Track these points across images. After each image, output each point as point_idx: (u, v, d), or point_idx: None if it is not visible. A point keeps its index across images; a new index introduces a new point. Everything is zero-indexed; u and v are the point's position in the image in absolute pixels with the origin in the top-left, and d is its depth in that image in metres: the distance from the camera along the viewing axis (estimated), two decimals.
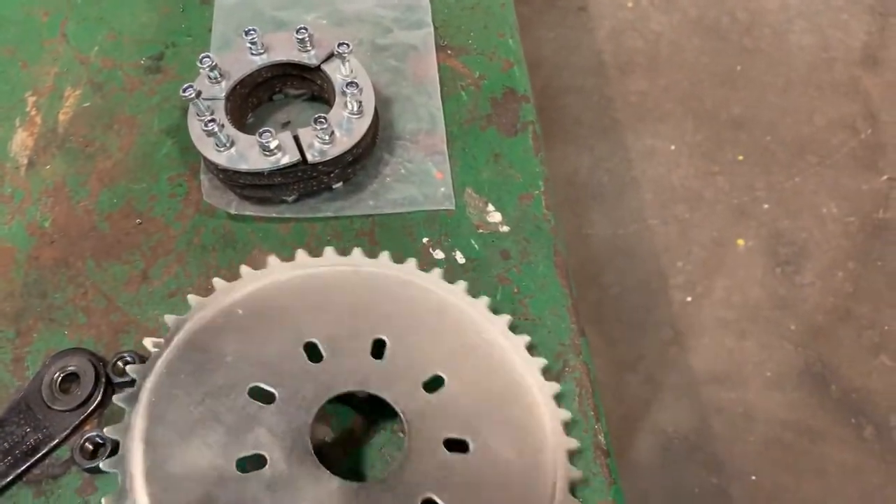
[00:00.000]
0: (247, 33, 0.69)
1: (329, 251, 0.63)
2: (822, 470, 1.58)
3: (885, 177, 1.96)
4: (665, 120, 2.02)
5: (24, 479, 0.57)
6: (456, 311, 0.61)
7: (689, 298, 1.77)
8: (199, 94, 0.66)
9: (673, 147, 1.98)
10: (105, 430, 0.54)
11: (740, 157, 1.97)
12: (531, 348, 0.60)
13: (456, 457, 0.55)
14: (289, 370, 0.57)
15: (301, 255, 0.63)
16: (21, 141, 0.73)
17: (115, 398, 0.55)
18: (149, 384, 0.56)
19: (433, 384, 0.58)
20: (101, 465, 0.53)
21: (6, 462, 0.56)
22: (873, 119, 2.06)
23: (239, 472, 0.53)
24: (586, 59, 2.13)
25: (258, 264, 0.62)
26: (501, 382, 0.58)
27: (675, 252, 1.84)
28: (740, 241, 1.86)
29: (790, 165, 1.97)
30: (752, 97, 2.08)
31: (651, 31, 2.21)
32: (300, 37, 0.69)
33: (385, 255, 0.64)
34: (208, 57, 0.67)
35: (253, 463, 0.54)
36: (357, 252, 0.63)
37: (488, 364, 0.59)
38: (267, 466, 0.53)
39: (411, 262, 0.63)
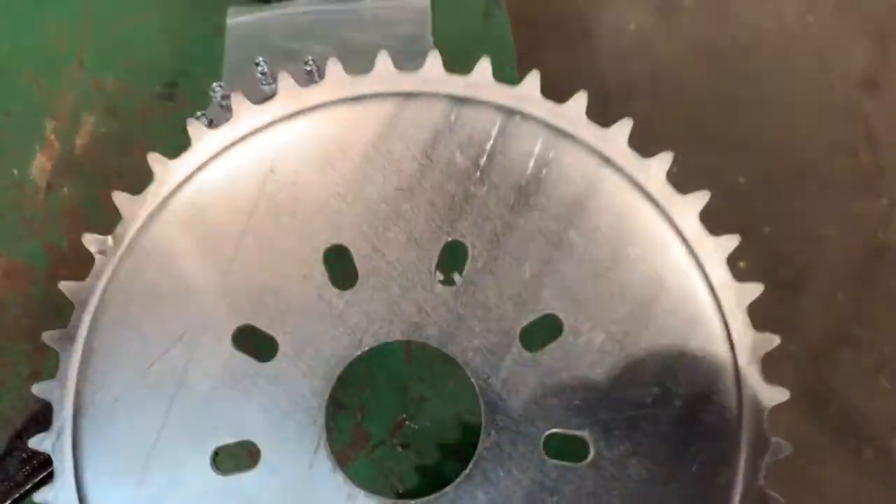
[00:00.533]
0: (256, 64, 0.72)
1: (382, 61, 0.48)
2: (821, 491, 1.59)
3: (885, 199, 1.98)
4: (667, 143, 2.05)
5: (42, 489, 0.59)
6: (607, 192, 0.44)
7: None
8: (210, 122, 0.69)
9: (675, 170, 2.01)
10: (33, 388, 0.43)
11: (741, 180, 2.00)
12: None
13: (565, 467, 0.40)
14: (298, 302, 0.40)
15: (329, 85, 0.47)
16: (40, 165, 0.77)
17: (44, 336, 0.45)
18: (86, 319, 0.45)
19: (540, 334, 0.43)
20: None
21: (25, 471, 0.59)
22: (873, 142, 2.08)
23: (216, 474, 0.40)
24: (589, 83, 2.15)
25: None
26: (665, 340, 0.42)
27: None
28: (741, 264, 1.88)
29: (791, 188, 1.99)
30: (753, 121, 2.10)
31: (653, 55, 2.24)
32: (307, 68, 0.72)
33: (484, 66, 0.49)
34: (220, 86, 0.71)
35: (236, 459, 0.41)
36: (432, 64, 0.48)
37: (643, 304, 0.42)
38: (259, 466, 0.40)
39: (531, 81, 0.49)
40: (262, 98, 0.73)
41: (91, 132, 0.78)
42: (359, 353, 0.41)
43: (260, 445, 0.40)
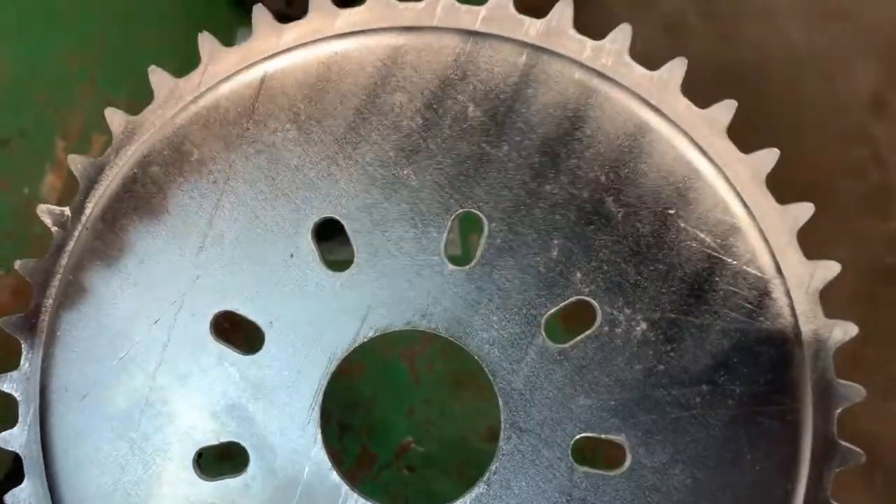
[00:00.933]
0: None
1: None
2: None
3: (893, 221, 1.98)
4: None
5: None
6: (655, 152, 0.37)
7: None
8: None
9: None
10: None
11: None
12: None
13: (598, 476, 0.34)
14: (285, 285, 0.35)
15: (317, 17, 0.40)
16: (50, 183, 0.77)
17: (1, 323, 0.41)
18: (47, 304, 0.40)
19: (569, 322, 0.37)
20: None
21: None
22: (882, 165, 2.08)
23: (201, 479, 0.36)
24: None
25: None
26: (720, 329, 0.36)
27: None
28: None
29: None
30: (760, 142, 2.11)
31: None
32: None
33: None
34: None
35: (222, 464, 0.37)
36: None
37: (694, 288, 0.35)
38: (248, 469, 0.36)
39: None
40: None
41: (101, 151, 0.79)
42: (356, 344, 0.35)
43: (247, 446, 0.35)
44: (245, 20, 0.88)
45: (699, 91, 2.17)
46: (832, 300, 1.85)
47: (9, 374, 0.40)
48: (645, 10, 2.39)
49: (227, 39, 0.86)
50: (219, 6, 0.88)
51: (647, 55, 2.24)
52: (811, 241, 2.07)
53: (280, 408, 0.36)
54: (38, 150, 0.79)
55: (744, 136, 2.21)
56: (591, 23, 2.14)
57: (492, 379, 0.36)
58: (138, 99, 0.83)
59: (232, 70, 0.41)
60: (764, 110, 2.19)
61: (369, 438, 0.62)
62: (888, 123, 2.12)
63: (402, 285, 0.36)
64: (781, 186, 2.08)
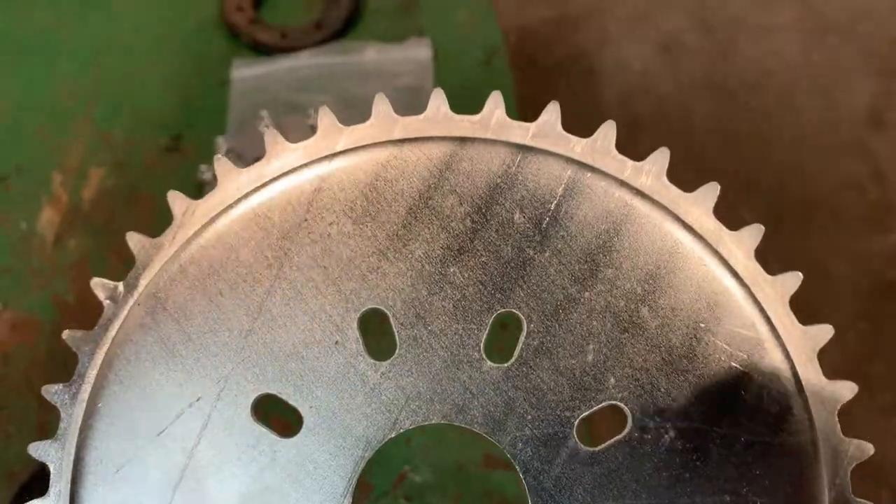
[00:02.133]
0: (259, 118, 0.73)
1: (435, 101, 0.45)
2: None
3: (894, 237, 1.97)
4: (673, 181, 2.05)
5: None
6: (688, 268, 0.41)
7: None
8: (215, 175, 0.71)
9: None
10: (30, 448, 0.41)
11: (748, 218, 2.00)
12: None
13: None
14: (328, 372, 0.37)
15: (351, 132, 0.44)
16: (48, 218, 0.78)
17: (43, 391, 0.42)
18: (91, 375, 0.42)
19: (601, 426, 0.40)
20: None
21: None
22: (881, 179, 2.08)
23: None
24: (595, 123, 2.17)
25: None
26: (745, 439, 0.38)
27: None
28: None
29: (799, 226, 1.99)
30: (760, 158, 2.11)
31: (658, 93, 2.26)
32: (310, 122, 0.73)
33: (552, 111, 0.46)
34: (224, 140, 0.72)
35: None
36: (493, 108, 0.45)
37: (723, 400, 0.38)
38: None
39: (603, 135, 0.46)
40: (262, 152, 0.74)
41: (98, 185, 0.80)
42: (393, 434, 0.38)
43: None
44: (239, 51, 0.90)
45: (696, 107, 2.17)
46: (834, 316, 1.83)
47: (45, 442, 0.41)
48: (642, 29, 2.41)
49: (222, 70, 0.88)
50: (214, 38, 0.90)
51: (646, 76, 2.25)
52: (813, 258, 2.06)
53: (313, 493, 0.38)
54: (36, 185, 0.80)
55: (741, 152, 2.21)
56: (587, 42, 2.15)
57: (522, 477, 0.38)
58: (135, 133, 0.84)
59: (294, 165, 0.42)
60: (762, 126, 2.20)
61: (367, 467, 0.62)
62: (886, 138, 2.13)
63: (441, 379, 0.39)
64: (781, 202, 2.08)
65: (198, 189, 0.78)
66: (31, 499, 0.42)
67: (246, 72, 0.85)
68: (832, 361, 1.73)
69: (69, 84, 0.88)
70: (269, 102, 0.83)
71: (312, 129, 0.73)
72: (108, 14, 0.94)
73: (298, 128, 0.75)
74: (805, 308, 1.71)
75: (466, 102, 0.84)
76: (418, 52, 0.85)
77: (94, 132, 0.84)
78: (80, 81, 0.88)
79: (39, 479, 0.63)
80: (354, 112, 0.83)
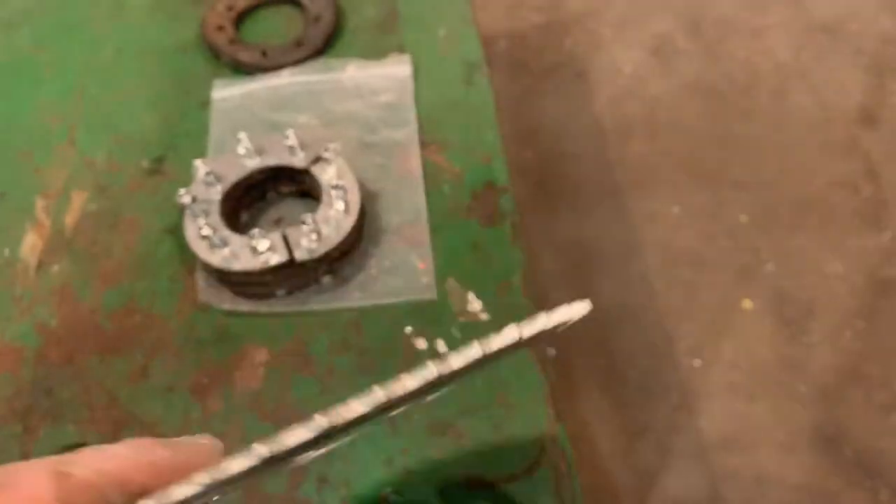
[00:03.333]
0: (239, 140, 0.74)
1: None
2: None
3: (888, 234, 1.97)
4: (666, 183, 2.06)
5: None
6: None
7: (696, 362, 1.78)
8: (194, 198, 0.71)
9: (675, 209, 2.01)
10: None
11: (743, 218, 2.00)
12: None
13: None
14: None
15: None
16: (31, 243, 0.78)
17: None
18: None
19: None
20: None
21: None
22: (874, 177, 2.08)
23: None
24: (586, 126, 2.18)
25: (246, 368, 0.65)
26: None
27: (682, 315, 1.85)
28: (746, 302, 1.87)
29: (793, 225, 1.99)
30: (752, 158, 2.11)
31: (649, 96, 2.26)
32: (289, 143, 0.73)
33: None
34: (202, 163, 0.72)
35: None
36: None
37: None
38: None
39: None
40: (244, 172, 0.75)
41: (81, 209, 0.80)
42: None
43: None
44: (220, 71, 0.90)
45: (687, 109, 2.16)
46: (830, 315, 1.82)
47: None
48: (632, 33, 2.41)
49: (204, 91, 0.88)
50: (195, 59, 0.90)
51: (637, 79, 2.24)
52: (809, 260, 2.05)
53: None
54: (19, 210, 0.80)
55: (734, 153, 2.20)
56: (578, 46, 2.15)
57: None
58: (117, 156, 0.85)
59: None
60: (754, 127, 2.20)
61: (348, 490, 0.62)
62: (878, 136, 2.13)
63: None
64: (775, 204, 2.07)
65: (180, 211, 0.79)
66: None
67: (226, 92, 0.85)
68: (830, 361, 1.72)
69: (52, 108, 0.88)
70: (249, 122, 0.83)
71: (291, 151, 0.74)
72: (90, 37, 0.95)
73: (275, 147, 0.75)
74: (801, 306, 1.71)
75: (447, 118, 0.84)
76: (398, 68, 0.86)
77: (77, 156, 0.84)
78: (63, 105, 0.88)
79: None
80: (334, 130, 0.83)
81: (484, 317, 0.70)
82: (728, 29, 2.43)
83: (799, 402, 1.73)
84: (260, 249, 0.68)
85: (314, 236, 0.69)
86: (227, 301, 0.72)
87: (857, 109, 2.22)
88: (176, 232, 0.77)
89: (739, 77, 2.34)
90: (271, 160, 0.75)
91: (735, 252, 1.95)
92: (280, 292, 0.72)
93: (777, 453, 1.65)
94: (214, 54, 0.90)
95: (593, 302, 0.37)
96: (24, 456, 0.66)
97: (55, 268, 0.76)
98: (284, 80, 0.86)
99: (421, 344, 0.69)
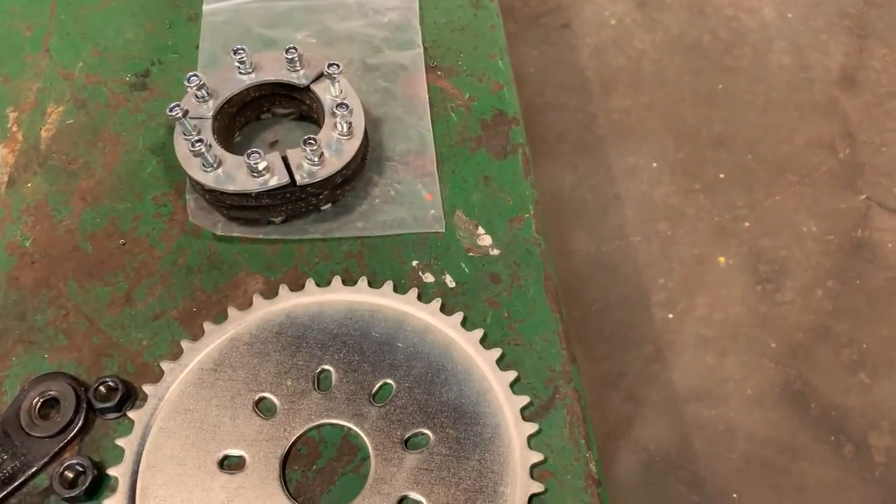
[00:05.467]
0: (235, 52, 0.68)
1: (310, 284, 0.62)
2: (803, 488, 1.59)
3: (863, 196, 1.99)
4: (647, 138, 2.03)
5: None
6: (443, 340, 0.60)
7: (670, 315, 1.78)
8: (185, 113, 0.65)
9: (655, 164, 1.99)
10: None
11: (721, 175, 1.99)
12: (517, 382, 0.60)
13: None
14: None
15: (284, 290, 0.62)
16: (1, 158, 0.72)
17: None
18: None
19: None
20: None
21: None
22: (851, 139, 2.08)
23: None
24: (570, 77, 2.14)
25: (245, 292, 0.61)
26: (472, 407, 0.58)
27: (657, 269, 1.85)
28: (721, 259, 1.87)
29: (770, 184, 1.99)
30: (733, 116, 2.10)
31: (634, 49, 2.23)
32: (289, 56, 0.68)
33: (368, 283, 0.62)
34: (196, 76, 0.66)
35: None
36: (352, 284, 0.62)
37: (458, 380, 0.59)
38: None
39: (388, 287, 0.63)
40: (240, 87, 0.69)
41: (57, 123, 0.73)
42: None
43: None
44: None
45: (671, 64, 2.13)
46: (803, 273, 1.84)
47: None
48: None
49: (192, 5, 0.81)
50: None
51: (622, 31, 2.19)
52: (784, 220, 2.06)
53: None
54: None
55: (715, 110, 2.18)
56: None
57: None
58: (98, 69, 0.78)
59: None
60: (736, 84, 2.18)
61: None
62: (857, 99, 2.12)
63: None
64: (754, 162, 2.06)
65: (167, 129, 0.73)
66: None
67: (218, 5, 0.79)
68: (800, 319, 1.73)
69: (25, 15, 0.81)
70: (242, 38, 0.77)
71: (290, 64, 0.68)
72: None
73: (273, 64, 0.70)
74: (775, 264, 1.71)
75: (454, 42, 0.79)
76: None
77: (52, 67, 0.78)
78: (37, 13, 0.81)
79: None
80: (334, 49, 0.78)
81: (494, 252, 0.67)
82: None
83: (769, 358, 1.75)
84: (259, 170, 0.63)
85: (316, 159, 0.64)
86: (219, 225, 0.67)
87: (838, 70, 2.21)
88: (162, 152, 0.72)
89: (724, 34, 2.31)
90: (269, 76, 0.69)
91: (712, 209, 1.95)
92: (277, 219, 0.67)
93: (746, 407, 1.67)
94: None
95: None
96: None
97: (28, 185, 0.70)
98: None
99: (429, 277, 0.65)
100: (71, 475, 0.55)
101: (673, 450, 1.62)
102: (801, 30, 2.26)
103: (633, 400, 1.67)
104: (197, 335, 0.62)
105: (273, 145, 0.72)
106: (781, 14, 2.30)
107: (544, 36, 2.22)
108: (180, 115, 0.65)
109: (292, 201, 0.66)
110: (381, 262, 0.66)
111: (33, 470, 0.56)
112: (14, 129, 0.73)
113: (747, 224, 1.91)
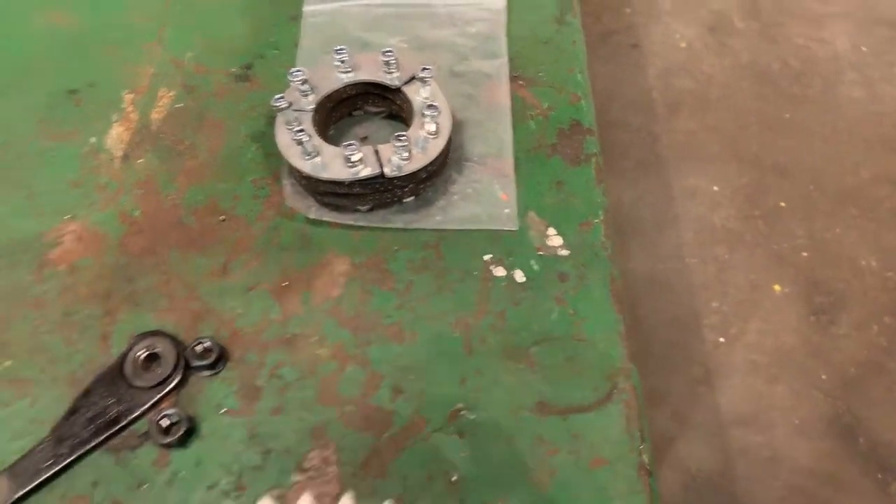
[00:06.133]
0: (337, 51, 0.74)
1: None
2: None
3: None
4: (710, 161, 2.05)
5: (106, 446, 0.61)
6: None
7: (721, 339, 1.79)
8: (289, 104, 0.71)
9: (716, 188, 2.00)
10: None
11: (782, 204, 1.99)
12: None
13: None
14: None
15: None
16: (117, 135, 0.79)
17: None
18: None
19: None
20: None
21: (90, 429, 0.61)
22: None
23: None
24: (636, 96, 2.16)
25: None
26: None
27: (711, 292, 1.86)
28: (777, 287, 1.87)
29: (831, 215, 1.98)
30: (798, 145, 2.10)
31: (702, 73, 2.24)
32: (386, 59, 0.73)
33: None
34: (300, 71, 0.72)
35: None
36: None
37: None
38: None
39: None
40: (338, 84, 0.75)
41: (167, 107, 0.80)
42: None
43: None
44: None
45: (739, 90, 2.14)
46: (860, 307, 1.82)
47: None
48: (691, 8, 2.38)
49: (294, 6, 0.88)
50: None
51: (691, 55, 2.20)
52: (844, 252, 2.04)
53: None
54: (106, 102, 0.80)
55: (780, 138, 2.17)
56: (636, 16, 2.11)
57: None
58: (206, 60, 0.85)
59: None
60: (802, 113, 2.18)
61: (422, 402, 0.63)
62: None
63: None
64: (816, 193, 2.05)
65: (267, 119, 0.79)
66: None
67: (318, 6, 0.85)
68: (854, 353, 1.72)
69: (142, 6, 0.88)
70: (340, 39, 0.83)
71: (386, 65, 0.74)
72: None
73: (370, 65, 0.75)
74: (831, 296, 1.71)
75: (537, 55, 0.84)
76: (492, 1, 0.85)
77: (165, 55, 0.85)
78: (153, 4, 0.88)
79: (102, 384, 0.64)
80: (424, 55, 0.83)
81: (563, 252, 0.71)
82: (787, 13, 2.39)
83: (819, 389, 1.75)
84: (353, 160, 0.68)
85: (405, 154, 0.69)
86: (312, 210, 0.72)
87: None
88: (261, 139, 0.78)
89: (794, 63, 2.31)
90: (366, 76, 0.75)
91: (771, 236, 1.95)
92: (363, 207, 0.72)
93: (792, 436, 1.67)
94: None
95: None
96: (104, 337, 0.67)
97: (140, 161, 0.77)
98: (376, 1, 0.85)
99: (499, 271, 0.70)
100: (166, 423, 0.61)
101: (715, 472, 1.63)
102: (875, 63, 2.25)
103: (678, 419, 1.69)
104: (286, 308, 0.67)
105: (363, 140, 0.77)
106: (855, 46, 2.29)
107: (613, 54, 2.25)
108: (285, 106, 0.71)
109: (378, 192, 0.71)
110: (455, 253, 0.71)
111: (134, 415, 0.62)
112: (129, 109, 0.80)
113: (805, 254, 1.90)
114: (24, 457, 0.60)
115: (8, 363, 0.66)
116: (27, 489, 0.59)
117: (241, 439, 0.62)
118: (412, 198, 0.73)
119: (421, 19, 0.84)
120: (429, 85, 0.73)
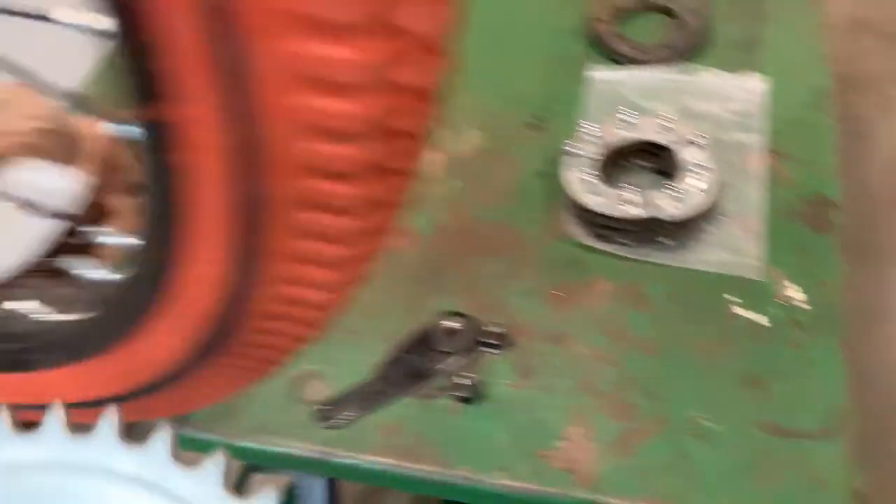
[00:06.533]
0: (620, 112, 0.90)
1: None
2: None
3: None
4: None
5: (416, 395, 0.79)
6: None
7: None
8: (578, 151, 0.88)
9: None
10: None
11: None
12: None
13: None
14: None
15: None
16: (432, 159, 0.99)
17: None
18: None
19: None
20: None
21: (408, 380, 0.80)
22: None
23: None
24: (855, 187, 2.15)
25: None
26: None
27: None
28: None
29: None
30: None
31: None
32: (663, 123, 0.89)
33: None
34: (591, 125, 0.89)
35: None
36: None
37: None
38: None
39: None
40: (619, 139, 0.91)
41: (470, 142, 1.00)
42: None
43: None
44: (594, 56, 1.07)
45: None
46: None
47: None
48: None
49: (579, 71, 1.06)
50: (575, 43, 1.07)
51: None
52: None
53: None
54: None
55: None
56: (868, 107, 2.09)
57: None
58: (505, 109, 1.04)
59: None
60: None
61: (666, 405, 0.76)
62: None
63: None
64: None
65: (552, 162, 0.97)
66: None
67: (605, 75, 1.02)
68: None
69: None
70: (619, 103, 0.99)
71: (663, 128, 0.89)
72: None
73: (647, 126, 0.91)
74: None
75: (792, 133, 0.96)
76: (754, 83, 0.98)
77: (470, 99, 1.05)
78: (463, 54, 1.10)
79: (420, 343, 0.83)
80: (690, 123, 0.97)
81: (800, 304, 0.82)
82: None
83: None
84: (626, 201, 0.84)
85: (673, 203, 0.84)
86: (585, 237, 0.89)
87: None
88: (546, 177, 0.95)
89: None
90: (644, 135, 0.91)
91: None
92: (628, 241, 0.88)
93: None
94: (593, 42, 1.07)
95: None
96: (414, 311, 0.86)
97: (449, 183, 0.97)
98: (652, 74, 1.01)
99: (741, 311, 0.82)
100: (462, 383, 0.79)
101: None
102: None
103: None
104: (557, 312, 0.83)
105: (635, 187, 0.93)
106: None
107: (838, 142, 2.25)
108: (574, 150, 0.88)
109: (643, 231, 0.86)
110: (703, 290, 0.84)
111: (438, 373, 0.80)
112: (443, 141, 1.01)
113: None
114: (354, 389, 0.80)
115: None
116: (360, 413, 0.78)
117: (515, 406, 0.78)
118: (669, 239, 0.88)
119: (689, 93, 0.99)
120: (700, 147, 0.87)
